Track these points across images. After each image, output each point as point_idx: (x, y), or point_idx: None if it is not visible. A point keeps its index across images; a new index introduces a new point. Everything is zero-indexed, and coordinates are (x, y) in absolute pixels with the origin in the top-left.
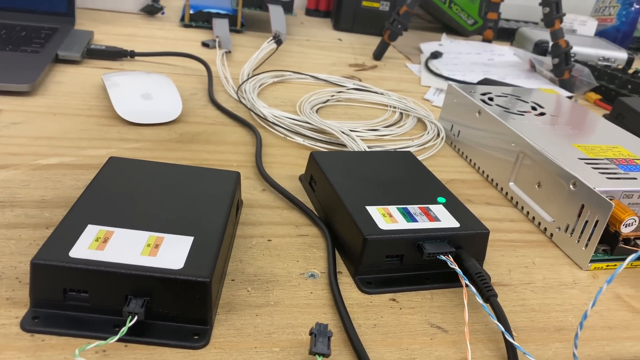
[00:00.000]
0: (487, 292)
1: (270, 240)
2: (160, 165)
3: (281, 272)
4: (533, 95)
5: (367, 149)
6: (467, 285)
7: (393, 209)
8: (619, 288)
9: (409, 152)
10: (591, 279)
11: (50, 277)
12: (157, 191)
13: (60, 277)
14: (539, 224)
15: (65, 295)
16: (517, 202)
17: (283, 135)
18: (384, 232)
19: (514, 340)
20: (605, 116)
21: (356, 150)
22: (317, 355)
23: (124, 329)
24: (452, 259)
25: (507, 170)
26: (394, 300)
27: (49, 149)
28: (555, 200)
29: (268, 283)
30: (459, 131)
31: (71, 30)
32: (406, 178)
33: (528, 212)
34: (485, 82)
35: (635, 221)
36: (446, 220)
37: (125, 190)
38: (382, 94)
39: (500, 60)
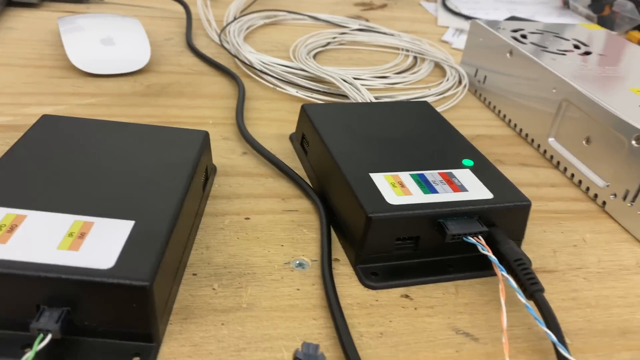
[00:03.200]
0: (531, 287)
1: (249, 218)
2: (107, 125)
3: (260, 261)
4: (574, 32)
5: (374, 100)
6: (504, 278)
7: (406, 176)
8: None
9: (425, 102)
10: None
11: None
12: (96, 160)
13: None
14: (588, 189)
15: None
16: (558, 162)
17: (272, 86)
18: (393, 209)
19: (569, 353)
20: None
21: (360, 101)
22: None
23: (30, 354)
24: (483, 242)
25: (547, 123)
26: (406, 296)
27: None
28: (610, 160)
29: (241, 277)
30: (485, 77)
31: None
32: (422, 135)
33: (573, 175)
34: (513, 20)
35: None
36: (475, 189)
37: (53, 159)
38: (392, 35)
39: None
